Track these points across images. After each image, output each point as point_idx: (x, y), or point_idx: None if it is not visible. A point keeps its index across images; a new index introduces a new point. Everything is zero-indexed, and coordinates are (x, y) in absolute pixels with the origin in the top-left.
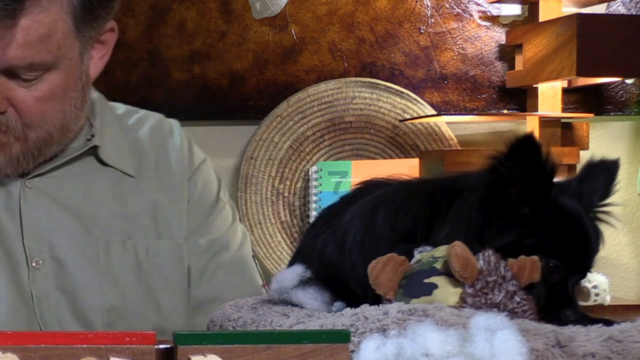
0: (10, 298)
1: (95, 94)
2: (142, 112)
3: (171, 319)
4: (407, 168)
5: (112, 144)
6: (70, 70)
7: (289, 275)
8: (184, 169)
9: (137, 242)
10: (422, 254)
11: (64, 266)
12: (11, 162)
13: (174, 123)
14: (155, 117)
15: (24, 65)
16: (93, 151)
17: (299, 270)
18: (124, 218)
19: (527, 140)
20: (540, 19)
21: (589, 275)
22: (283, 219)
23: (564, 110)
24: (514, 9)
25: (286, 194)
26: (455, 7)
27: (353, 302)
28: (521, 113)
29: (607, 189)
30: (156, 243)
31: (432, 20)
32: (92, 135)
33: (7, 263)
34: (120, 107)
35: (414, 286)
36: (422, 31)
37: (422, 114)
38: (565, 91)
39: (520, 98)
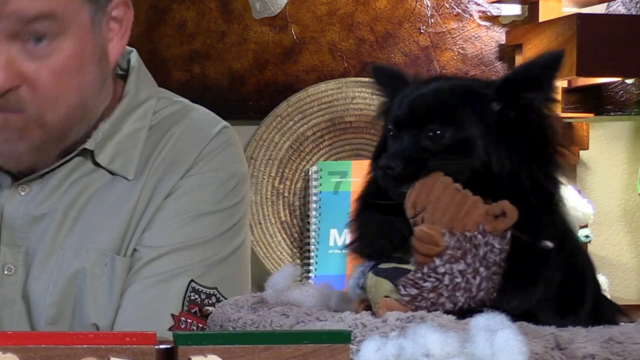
0: None
1: (139, 92)
2: (192, 113)
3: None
4: None
5: (119, 143)
6: (82, 38)
7: (281, 277)
8: (173, 182)
9: (99, 254)
10: None
11: (29, 275)
12: (32, 150)
13: (212, 129)
14: (196, 120)
15: (29, 17)
16: (90, 152)
17: (290, 270)
18: (100, 225)
19: None
20: (540, 19)
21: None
22: (283, 219)
23: (564, 110)
24: (514, 9)
25: (286, 194)
26: (455, 7)
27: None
28: None
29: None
30: (116, 258)
31: (432, 20)
32: (88, 138)
33: None
34: (173, 106)
35: None
36: (422, 31)
37: None
38: (565, 91)
39: None
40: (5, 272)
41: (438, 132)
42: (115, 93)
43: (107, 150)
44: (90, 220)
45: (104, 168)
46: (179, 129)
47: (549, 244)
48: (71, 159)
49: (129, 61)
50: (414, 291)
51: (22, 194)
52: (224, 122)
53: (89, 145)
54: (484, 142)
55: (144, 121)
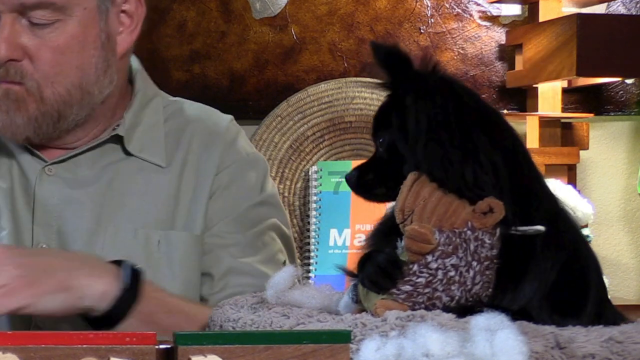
0: None
1: (145, 87)
2: (197, 106)
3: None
4: None
5: (144, 135)
6: (87, 22)
7: (282, 278)
8: (216, 168)
9: (150, 232)
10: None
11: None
12: (29, 123)
13: (224, 119)
14: (207, 111)
15: (31, 4)
16: (120, 142)
17: (290, 271)
18: (141, 208)
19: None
20: (540, 19)
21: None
22: None
23: (564, 110)
24: (514, 9)
25: (286, 194)
26: (455, 7)
27: None
28: (521, 113)
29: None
30: (170, 233)
31: (432, 20)
32: (117, 125)
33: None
34: (174, 99)
35: None
36: (422, 31)
37: None
38: (565, 91)
39: (520, 98)
40: None
41: (384, 138)
42: (127, 91)
43: (135, 139)
44: (131, 203)
45: (134, 156)
46: (194, 121)
47: (539, 227)
48: (100, 144)
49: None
50: (408, 288)
51: (50, 174)
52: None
53: (120, 131)
54: (413, 144)
55: (158, 115)
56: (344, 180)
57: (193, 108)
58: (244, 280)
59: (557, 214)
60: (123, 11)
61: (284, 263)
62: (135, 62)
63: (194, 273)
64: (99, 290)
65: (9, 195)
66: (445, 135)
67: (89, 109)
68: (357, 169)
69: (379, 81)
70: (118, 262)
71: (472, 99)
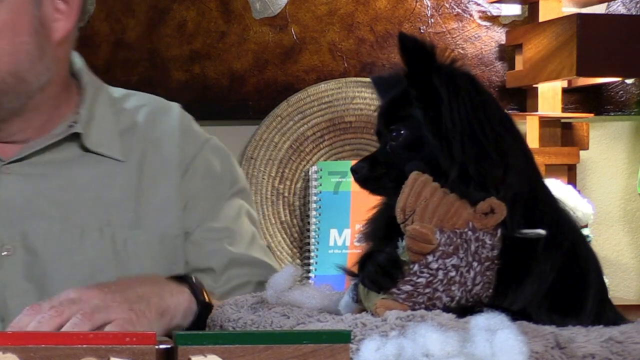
0: None
1: (91, 80)
2: (140, 96)
3: None
4: None
5: (100, 130)
6: (17, 8)
7: (282, 278)
8: (177, 155)
9: (116, 231)
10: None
11: (37, 255)
12: None
13: (173, 107)
14: (152, 102)
15: None
16: (76, 138)
17: (290, 271)
18: (104, 205)
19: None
20: (540, 19)
21: None
22: (283, 219)
23: (564, 110)
24: (514, 9)
25: (286, 194)
26: (455, 7)
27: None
28: (521, 113)
29: None
30: (136, 232)
31: (432, 20)
32: (75, 122)
33: None
34: (119, 91)
35: None
36: (422, 31)
37: None
38: (565, 91)
39: (520, 98)
40: (4, 253)
41: (401, 131)
42: (72, 85)
43: (92, 134)
44: (93, 200)
45: (92, 152)
46: (145, 112)
47: (541, 231)
48: (58, 142)
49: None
50: (408, 288)
51: (9, 173)
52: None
53: (78, 128)
54: (434, 139)
55: (109, 108)
56: (344, 180)
57: (141, 99)
58: (245, 270)
59: (558, 215)
60: None
61: (268, 247)
62: (77, 58)
63: (165, 272)
64: (183, 307)
65: None
66: (480, 132)
67: (25, 97)
68: (366, 161)
69: (393, 71)
70: (175, 277)
71: (492, 96)
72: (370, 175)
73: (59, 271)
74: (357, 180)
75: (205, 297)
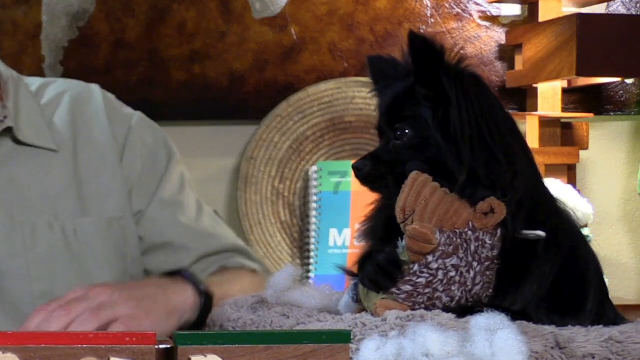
0: None
1: (9, 73)
2: (58, 83)
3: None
4: None
5: (29, 122)
6: None
7: (282, 277)
8: (110, 138)
9: (65, 222)
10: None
11: None
12: None
13: (94, 89)
14: (72, 87)
15: None
16: (8, 133)
17: (290, 271)
18: (48, 198)
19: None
20: (540, 19)
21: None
22: (283, 219)
23: (564, 110)
24: (514, 9)
25: (286, 194)
26: (455, 7)
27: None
28: (521, 113)
29: None
30: (84, 221)
31: (432, 20)
32: (5, 117)
33: None
34: (35, 82)
35: None
36: (422, 31)
37: None
38: (565, 91)
39: (520, 98)
40: None
41: (405, 130)
42: None
43: (23, 127)
44: (36, 194)
45: (25, 144)
46: (66, 97)
47: (540, 233)
48: None
49: None
50: (408, 288)
51: None
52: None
53: (9, 122)
54: (442, 141)
55: (32, 98)
56: (344, 180)
57: (58, 86)
58: (197, 244)
59: (558, 216)
60: None
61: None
62: None
63: (117, 255)
64: (190, 303)
65: None
66: (488, 136)
67: None
68: (369, 159)
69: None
70: (173, 273)
71: (497, 98)
72: (373, 173)
73: (14, 272)
74: (359, 177)
75: (203, 285)
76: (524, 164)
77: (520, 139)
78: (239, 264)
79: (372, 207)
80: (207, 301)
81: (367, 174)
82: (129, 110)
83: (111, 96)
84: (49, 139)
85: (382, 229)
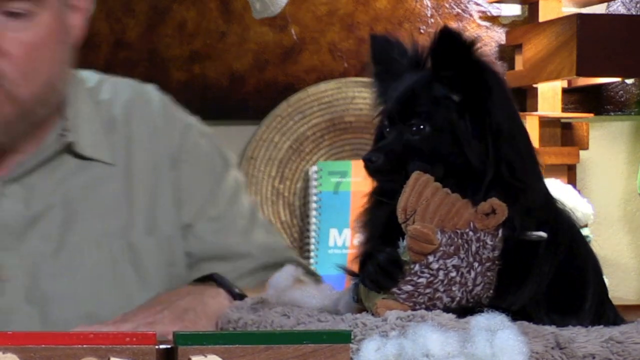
0: None
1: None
2: (113, 82)
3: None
4: None
5: (89, 132)
6: (56, 17)
7: (282, 277)
8: (164, 146)
9: (112, 241)
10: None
11: (36, 277)
12: (2, 127)
13: (150, 92)
14: (129, 86)
15: None
16: (67, 147)
17: (290, 270)
18: (98, 215)
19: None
20: (540, 19)
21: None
22: (283, 219)
23: (563, 110)
24: (514, 9)
25: (286, 194)
26: (455, 7)
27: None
28: (521, 113)
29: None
30: (133, 240)
31: (432, 20)
32: (65, 130)
33: None
34: (91, 79)
35: None
36: (422, 31)
37: None
38: (565, 91)
39: (520, 98)
40: (2, 278)
41: (421, 126)
42: None
43: (82, 140)
44: (87, 211)
45: (83, 157)
46: (120, 102)
47: (542, 234)
48: (53, 156)
49: None
50: (409, 288)
51: (8, 195)
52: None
53: (70, 137)
54: (461, 137)
55: (88, 100)
56: (344, 180)
57: (114, 86)
58: (249, 258)
59: (557, 216)
60: (71, 5)
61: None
62: None
63: (166, 275)
64: (225, 305)
65: None
66: (519, 137)
67: (55, 106)
68: (382, 152)
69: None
70: (205, 278)
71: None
72: (385, 167)
73: (59, 292)
74: (369, 169)
75: (237, 288)
76: (538, 166)
77: (530, 141)
78: None
79: (366, 202)
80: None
81: (379, 167)
82: (184, 115)
83: (167, 100)
84: (107, 151)
85: (382, 228)
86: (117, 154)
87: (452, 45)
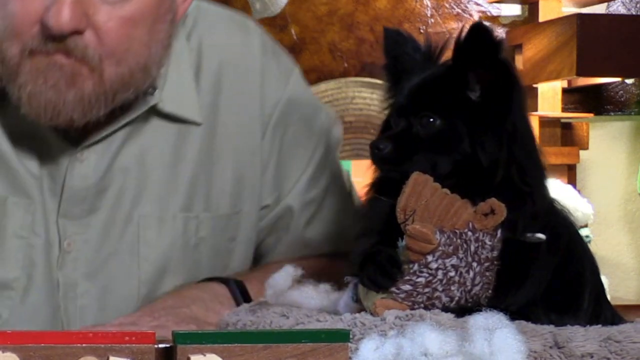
0: (36, 286)
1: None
2: (212, 21)
3: None
4: None
5: (176, 83)
6: None
7: (281, 278)
8: (257, 107)
9: (188, 215)
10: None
11: (98, 251)
12: (81, 102)
13: (251, 31)
14: (223, 27)
15: None
16: (152, 107)
17: (289, 270)
18: (175, 186)
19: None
20: (540, 19)
21: None
22: None
23: (564, 110)
24: (514, 9)
25: None
26: (455, 7)
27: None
28: None
29: None
30: (208, 216)
31: (432, 20)
32: (151, 88)
33: (41, 243)
34: (189, 16)
35: None
36: (422, 31)
37: None
38: (565, 91)
39: None
40: (65, 247)
41: (430, 119)
42: None
43: (169, 98)
44: (164, 181)
45: (171, 118)
46: (216, 48)
47: (541, 236)
48: (136, 119)
49: None
50: (407, 287)
51: (83, 160)
52: (243, 17)
53: (155, 100)
54: (471, 134)
55: (183, 53)
56: None
57: (207, 27)
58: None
59: (555, 216)
60: None
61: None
62: None
63: (240, 258)
64: (225, 296)
65: (37, 185)
66: (531, 140)
67: (139, 91)
68: (390, 141)
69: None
70: (214, 279)
71: None
72: (393, 156)
73: (121, 269)
74: (376, 157)
75: (249, 294)
76: (545, 171)
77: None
78: None
79: (366, 193)
80: (241, 291)
81: (387, 155)
82: (288, 62)
83: (270, 41)
84: (195, 108)
85: (382, 224)
86: (203, 110)
87: (482, 42)
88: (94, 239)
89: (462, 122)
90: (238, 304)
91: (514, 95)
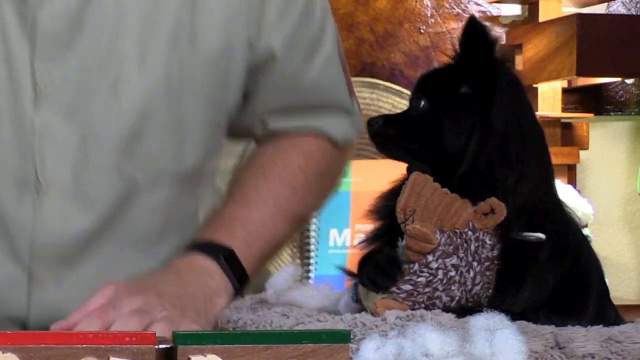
0: (5, 131)
1: None
2: None
3: (192, 147)
4: None
5: None
6: None
7: (282, 277)
8: None
9: (171, 53)
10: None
11: (79, 92)
12: None
13: None
14: None
15: None
16: None
17: (290, 270)
18: (152, 16)
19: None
20: (540, 19)
21: None
22: None
23: (563, 110)
24: (514, 9)
25: None
26: (455, 7)
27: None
28: None
29: None
30: (190, 54)
31: (432, 20)
32: None
33: (8, 88)
34: None
35: None
36: (422, 31)
37: None
38: (565, 91)
39: None
40: (43, 93)
41: (421, 102)
42: None
43: None
44: (147, 10)
45: None
46: None
47: (541, 235)
48: None
49: None
50: (408, 287)
51: None
52: None
53: None
54: (450, 121)
55: None
56: (344, 180)
57: None
58: None
59: (565, 222)
60: None
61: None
62: None
63: (218, 91)
64: (227, 290)
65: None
66: (511, 137)
67: None
68: (383, 117)
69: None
70: (201, 247)
71: (530, 104)
72: (381, 132)
73: (103, 111)
74: (369, 132)
75: (241, 264)
76: (534, 171)
77: (541, 146)
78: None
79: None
80: (243, 280)
81: (376, 131)
82: None
83: None
84: None
85: (383, 229)
86: None
87: (475, 37)
88: (71, 78)
89: (445, 108)
90: (229, 279)
91: (497, 93)
